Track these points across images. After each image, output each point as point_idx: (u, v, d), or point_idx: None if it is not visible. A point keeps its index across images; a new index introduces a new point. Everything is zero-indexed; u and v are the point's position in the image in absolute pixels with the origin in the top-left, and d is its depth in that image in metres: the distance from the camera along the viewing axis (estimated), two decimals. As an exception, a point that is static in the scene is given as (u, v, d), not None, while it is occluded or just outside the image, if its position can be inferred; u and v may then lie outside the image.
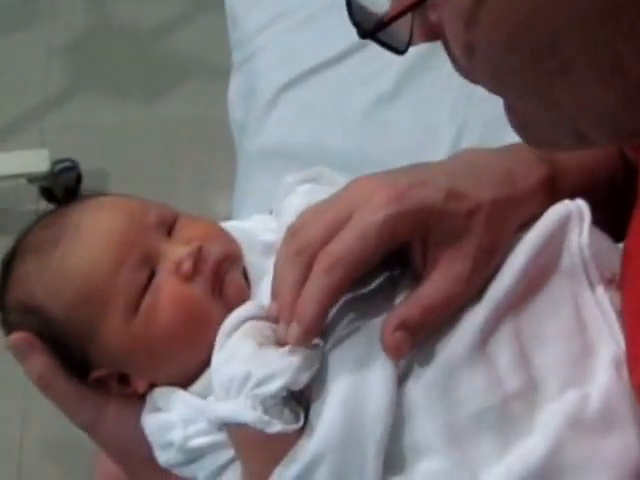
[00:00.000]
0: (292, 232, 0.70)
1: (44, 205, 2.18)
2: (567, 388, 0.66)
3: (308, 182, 0.80)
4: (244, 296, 0.75)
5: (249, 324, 0.69)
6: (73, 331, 0.76)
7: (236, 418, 0.67)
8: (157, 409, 0.75)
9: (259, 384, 0.66)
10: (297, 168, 0.83)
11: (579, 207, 0.71)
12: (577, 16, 0.49)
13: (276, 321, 0.69)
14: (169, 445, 0.74)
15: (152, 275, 0.75)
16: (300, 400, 0.68)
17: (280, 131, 1.38)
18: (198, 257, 0.75)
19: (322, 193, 0.73)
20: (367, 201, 0.68)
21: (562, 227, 0.70)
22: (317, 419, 0.67)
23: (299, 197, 0.77)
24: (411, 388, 0.67)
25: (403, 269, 0.71)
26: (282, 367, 0.66)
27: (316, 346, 0.67)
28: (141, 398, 0.77)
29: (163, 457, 0.75)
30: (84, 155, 2.22)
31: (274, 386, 0.66)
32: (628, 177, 0.72)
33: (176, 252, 0.76)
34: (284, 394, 0.67)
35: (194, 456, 0.73)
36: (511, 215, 0.70)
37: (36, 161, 2.20)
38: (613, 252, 0.70)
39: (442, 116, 1.33)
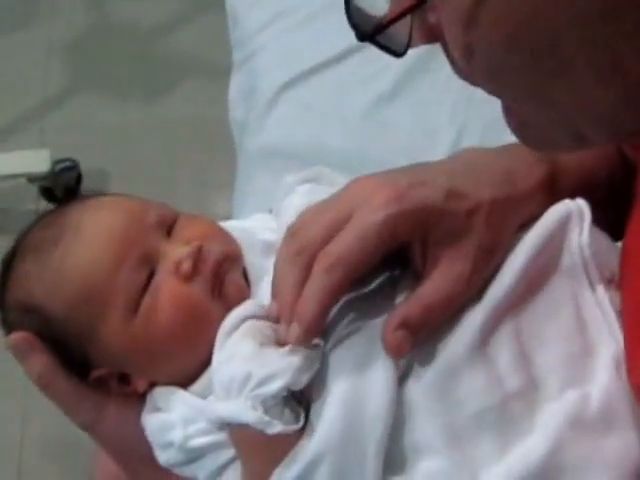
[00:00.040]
0: (292, 232, 0.70)
1: (44, 205, 2.18)
2: (567, 388, 0.66)
3: (308, 182, 0.80)
4: (244, 296, 0.75)
5: (249, 323, 0.69)
6: (73, 331, 0.76)
7: (237, 418, 0.67)
8: (157, 409, 0.75)
9: (260, 384, 0.66)
10: (297, 168, 0.83)
11: (579, 207, 0.71)
12: (577, 16, 0.50)
13: (276, 321, 0.69)
14: (169, 445, 0.74)
15: (152, 275, 0.75)
16: (300, 400, 0.68)
17: (280, 131, 1.38)
18: (198, 257, 0.75)
19: (322, 193, 0.73)
20: (367, 201, 0.68)
21: (562, 227, 0.70)
22: (317, 419, 0.67)
23: (299, 197, 0.77)
24: (411, 388, 0.67)
25: (403, 269, 0.71)
26: (283, 367, 0.66)
27: (316, 346, 0.67)
28: (141, 398, 0.77)
29: (163, 457, 0.75)
30: (84, 155, 2.22)
31: (275, 386, 0.66)
32: (627, 176, 0.72)
33: (176, 252, 0.76)
34: (284, 394, 0.66)
35: (194, 456, 0.73)
36: (511, 215, 0.70)
37: (36, 161, 2.20)
38: (613, 251, 0.70)
39: (442, 118, 1.33)
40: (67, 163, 2.21)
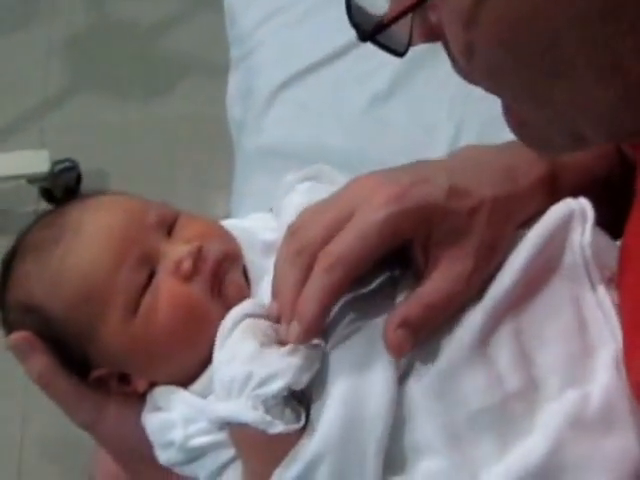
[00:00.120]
0: (292, 231, 0.70)
1: (44, 206, 2.17)
2: (567, 388, 0.66)
3: (308, 180, 0.80)
4: (244, 296, 0.75)
5: (249, 321, 0.69)
6: (73, 331, 0.76)
7: (237, 418, 0.67)
8: (157, 408, 0.75)
9: (261, 384, 0.66)
10: (295, 167, 0.83)
11: (582, 206, 0.71)
12: (577, 16, 0.50)
13: (277, 321, 0.69)
14: (170, 444, 0.74)
15: (152, 274, 0.75)
16: (301, 400, 0.68)
17: (278, 130, 1.38)
18: (198, 257, 0.75)
19: (322, 192, 0.73)
20: (368, 200, 0.68)
21: (564, 226, 0.70)
22: (318, 418, 0.67)
23: (299, 196, 0.77)
24: (411, 388, 0.67)
25: (403, 269, 0.71)
26: (283, 367, 0.66)
27: (317, 346, 0.67)
28: (141, 397, 0.77)
29: (164, 456, 0.75)
30: (84, 155, 2.22)
31: (276, 386, 0.66)
32: (625, 174, 0.72)
33: (176, 251, 0.76)
34: (285, 394, 0.66)
35: (195, 455, 0.73)
36: (512, 212, 0.70)
37: (36, 161, 2.20)
38: (613, 251, 0.70)
39: (440, 115, 1.33)
40: (67, 163, 2.21)
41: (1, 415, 1.92)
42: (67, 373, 0.77)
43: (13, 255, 0.79)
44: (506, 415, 0.66)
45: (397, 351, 0.67)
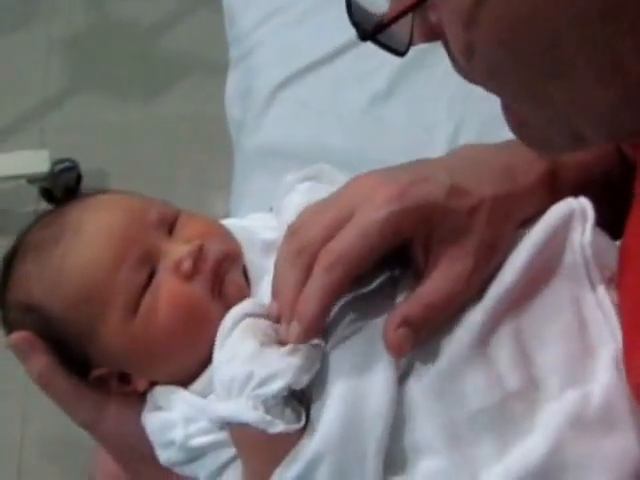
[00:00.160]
0: (292, 231, 0.70)
1: (44, 206, 2.17)
2: (567, 388, 0.66)
3: (308, 180, 0.80)
4: (244, 295, 0.75)
5: (249, 321, 0.69)
6: (73, 330, 0.76)
7: (238, 418, 0.67)
8: (158, 408, 0.75)
9: (261, 384, 0.66)
10: (295, 167, 0.83)
11: (582, 206, 0.71)
12: (577, 16, 0.50)
13: (277, 320, 0.69)
14: (170, 444, 0.74)
15: (152, 274, 0.75)
16: (301, 399, 0.68)
17: (277, 130, 1.38)
18: (198, 256, 0.75)
19: (322, 191, 0.73)
20: (368, 199, 0.68)
21: (565, 225, 0.70)
22: (318, 418, 0.67)
23: (299, 195, 0.77)
24: (411, 387, 0.67)
25: (403, 269, 0.71)
26: (284, 367, 0.66)
27: (317, 346, 0.67)
28: (141, 397, 0.77)
29: (164, 456, 0.75)
30: (84, 155, 2.22)
31: (276, 386, 0.66)
32: (625, 174, 0.72)
33: (177, 251, 0.76)
34: (285, 394, 0.66)
35: (195, 455, 0.73)
36: (512, 211, 0.70)
37: (36, 161, 2.20)
38: (613, 251, 0.70)
39: (439, 114, 1.33)
40: (67, 163, 2.21)
41: (1, 415, 1.92)
42: (67, 373, 0.77)
43: (13, 255, 0.79)
44: (506, 415, 0.66)
45: (397, 351, 0.67)
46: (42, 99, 2.43)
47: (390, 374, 0.67)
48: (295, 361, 0.66)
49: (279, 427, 0.66)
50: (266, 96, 1.41)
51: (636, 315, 0.65)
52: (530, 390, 0.67)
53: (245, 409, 0.66)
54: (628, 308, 0.66)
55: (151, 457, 0.75)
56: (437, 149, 1.23)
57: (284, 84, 1.41)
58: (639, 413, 0.65)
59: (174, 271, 0.75)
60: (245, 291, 0.76)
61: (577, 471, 0.64)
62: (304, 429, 0.67)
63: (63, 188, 2.18)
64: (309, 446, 0.67)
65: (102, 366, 0.77)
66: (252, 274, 0.77)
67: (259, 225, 0.82)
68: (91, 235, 0.76)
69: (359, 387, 0.67)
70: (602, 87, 0.53)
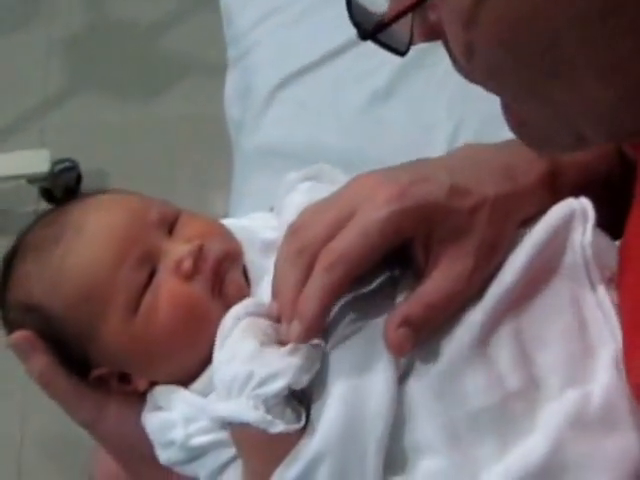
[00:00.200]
0: (293, 230, 0.70)
1: (44, 206, 2.17)
2: (568, 387, 0.66)
3: (309, 179, 0.80)
4: (244, 295, 0.75)
5: (249, 320, 0.69)
6: (73, 330, 0.76)
7: (238, 418, 0.67)
8: (158, 407, 0.75)
9: (261, 384, 0.66)
10: (294, 167, 0.83)
11: (583, 206, 0.71)
12: (577, 16, 0.50)
13: (277, 320, 0.69)
14: (170, 444, 0.74)
15: (153, 273, 0.75)
16: (301, 399, 0.68)
17: (277, 130, 1.37)
18: (198, 256, 0.75)
19: (323, 191, 0.73)
20: (369, 199, 0.68)
21: (565, 225, 0.70)
22: (318, 418, 0.67)
23: (300, 195, 0.77)
24: (411, 387, 0.67)
25: (403, 269, 0.71)
26: (284, 367, 0.66)
27: (317, 346, 0.67)
28: (142, 396, 0.77)
29: (164, 455, 0.75)
30: (84, 155, 2.22)
31: (276, 386, 0.66)
32: (625, 173, 0.72)
33: (177, 250, 0.76)
34: (286, 393, 0.67)
35: (195, 454, 0.73)
36: (513, 211, 0.70)
37: (36, 161, 2.20)
38: (613, 251, 0.70)
39: (439, 114, 1.32)
40: (67, 163, 2.21)
41: (0, 414, 1.92)
42: (67, 372, 0.77)
43: (13, 255, 0.79)
44: (506, 415, 0.66)
45: (398, 350, 0.67)
46: (42, 99, 2.43)
47: (390, 374, 0.67)
48: (295, 361, 0.66)
49: (280, 427, 0.66)
50: (265, 96, 1.41)
51: (636, 315, 0.65)
52: (530, 390, 0.67)
53: (246, 409, 0.66)
54: (628, 308, 0.66)
55: (151, 457, 0.75)
56: (437, 149, 1.22)
57: (283, 84, 1.41)
58: (639, 413, 0.65)
59: (174, 271, 0.75)
60: (245, 291, 0.76)
61: (577, 471, 0.64)
62: (304, 429, 0.67)
63: (63, 188, 2.18)
64: (309, 446, 0.67)
65: (102, 366, 0.77)
66: (252, 274, 0.77)
67: (259, 225, 0.82)
68: (91, 235, 0.76)
69: (359, 387, 0.67)
70: (602, 87, 0.53)
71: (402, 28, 0.55)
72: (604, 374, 0.66)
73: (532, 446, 0.65)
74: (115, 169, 2.25)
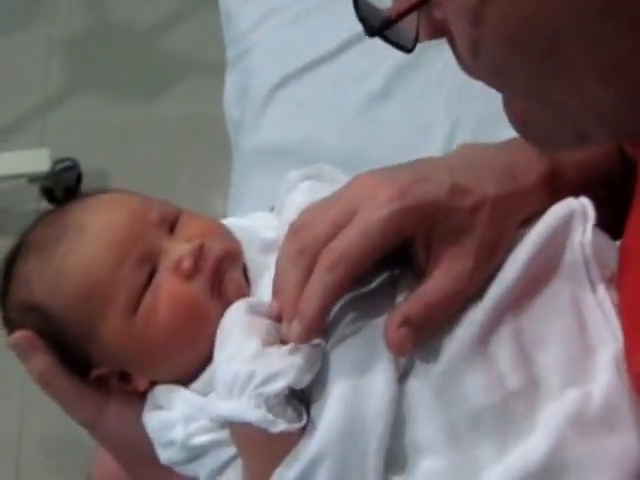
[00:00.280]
0: (294, 230, 0.70)
1: (45, 205, 2.18)
2: (568, 387, 0.66)
3: (309, 179, 0.80)
4: (243, 294, 0.75)
5: (249, 320, 0.69)
6: (74, 330, 0.76)
7: (240, 417, 0.67)
8: (158, 407, 0.75)
9: (263, 383, 0.66)
10: (294, 167, 0.83)
11: (583, 206, 0.71)
12: (577, 16, 0.50)
13: (278, 319, 0.69)
14: (171, 443, 0.74)
15: (153, 273, 0.75)
16: (302, 399, 0.68)
17: (276, 130, 1.38)
18: (199, 255, 0.75)
19: (323, 190, 0.73)
20: (370, 198, 0.68)
21: (565, 225, 0.70)
22: (319, 417, 0.67)
23: (301, 194, 0.77)
24: (412, 387, 0.67)
25: (403, 269, 0.71)
26: (285, 366, 0.66)
27: (318, 345, 0.67)
28: (142, 396, 0.77)
29: (165, 455, 0.75)
30: (84, 155, 2.22)
31: (278, 385, 0.66)
32: (626, 172, 0.72)
33: (177, 250, 0.76)
34: (287, 393, 0.67)
35: (196, 454, 0.73)
36: (513, 210, 0.70)
37: (37, 161, 2.20)
38: (613, 251, 0.70)
39: (436, 113, 1.33)
40: (67, 163, 2.21)
41: (-1, 413, 1.92)
42: (68, 372, 0.77)
43: (15, 254, 0.79)
44: (507, 414, 0.66)
45: (399, 350, 0.67)
46: (42, 99, 2.44)
47: (390, 373, 0.67)
48: (297, 360, 0.66)
49: (281, 426, 0.66)
50: (264, 96, 1.41)
51: (636, 315, 0.65)
52: (531, 390, 0.67)
53: (247, 408, 0.66)
54: (628, 308, 0.66)
55: (151, 456, 0.75)
56: (434, 148, 1.23)
57: (281, 84, 1.41)
58: (639, 413, 0.65)
59: (174, 270, 0.75)
60: (245, 290, 0.76)
61: (578, 471, 0.64)
62: (304, 429, 0.67)
63: (64, 187, 2.18)
64: (310, 445, 0.67)
65: (102, 365, 0.77)
66: (252, 273, 0.77)
67: (259, 224, 0.82)
68: (92, 234, 0.76)
69: (359, 387, 0.67)
70: (602, 87, 0.53)
71: (408, 25, 0.55)
72: (604, 374, 0.66)
73: (532, 446, 0.65)
74: (115, 169, 2.25)
